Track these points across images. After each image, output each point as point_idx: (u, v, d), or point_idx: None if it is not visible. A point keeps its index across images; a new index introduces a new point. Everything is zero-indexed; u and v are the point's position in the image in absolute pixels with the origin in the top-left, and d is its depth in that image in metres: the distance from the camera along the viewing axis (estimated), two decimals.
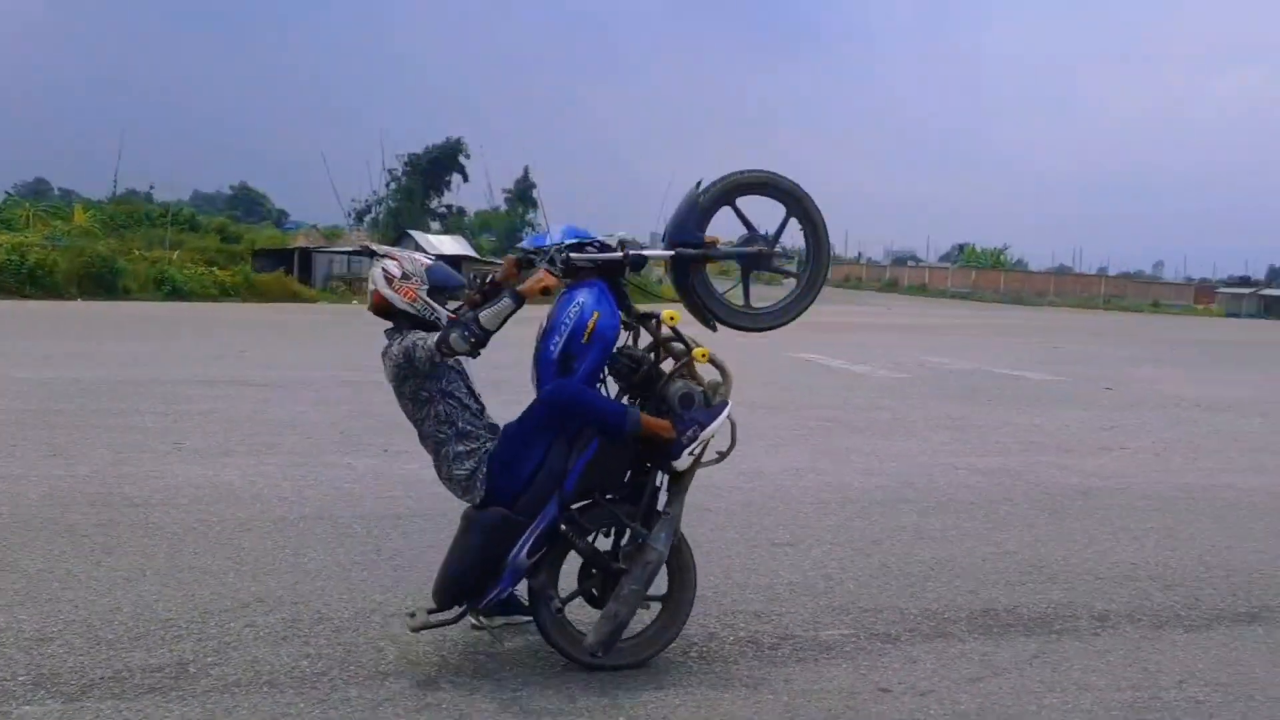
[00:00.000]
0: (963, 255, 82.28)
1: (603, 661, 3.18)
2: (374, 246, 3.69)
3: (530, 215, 51.54)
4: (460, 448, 3.23)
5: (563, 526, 3.17)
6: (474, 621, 3.45)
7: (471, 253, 34.03)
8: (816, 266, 3.60)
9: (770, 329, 3.57)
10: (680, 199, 3.45)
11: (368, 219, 48.61)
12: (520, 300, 3.11)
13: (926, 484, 6.61)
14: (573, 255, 3.26)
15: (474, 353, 3.10)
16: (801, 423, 9.14)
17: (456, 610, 3.25)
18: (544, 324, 3.32)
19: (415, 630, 3.28)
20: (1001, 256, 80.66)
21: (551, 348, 3.24)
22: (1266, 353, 22.92)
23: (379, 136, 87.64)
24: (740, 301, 3.56)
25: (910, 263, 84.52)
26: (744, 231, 3.56)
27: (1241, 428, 9.83)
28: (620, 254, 3.33)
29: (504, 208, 54.31)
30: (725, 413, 3.26)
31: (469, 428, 3.25)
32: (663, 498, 3.33)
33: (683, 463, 3.22)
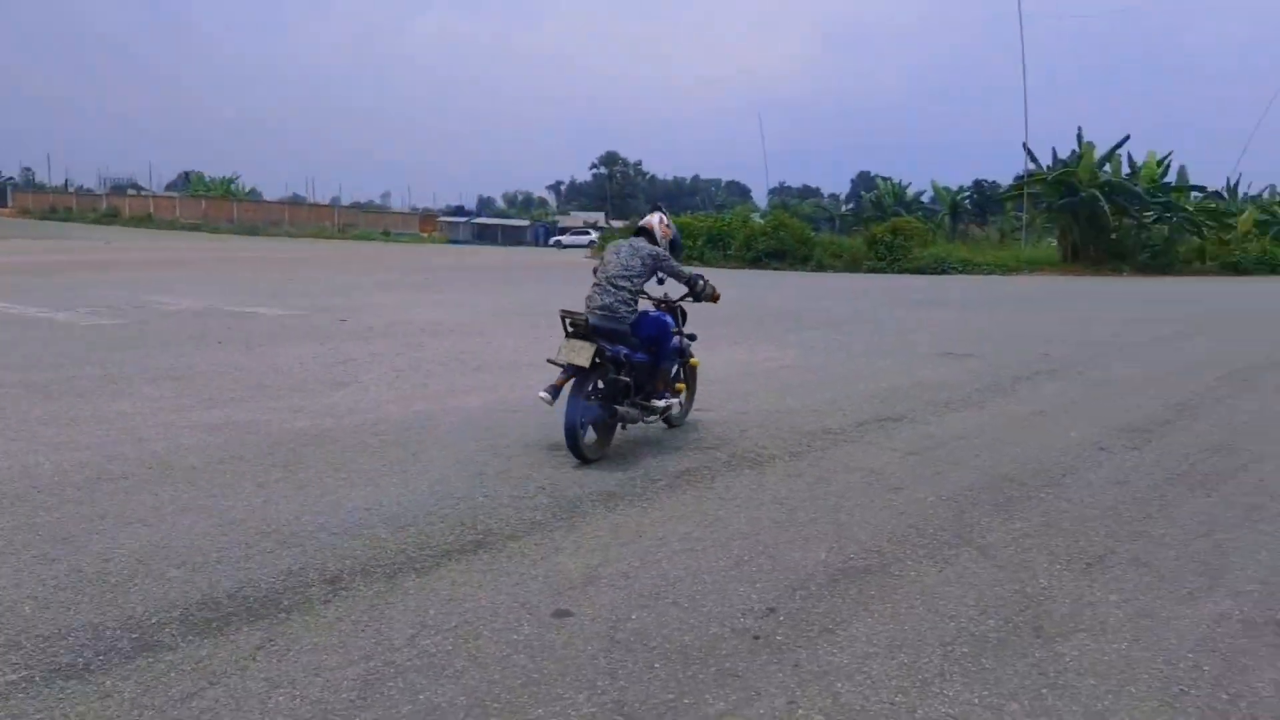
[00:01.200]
0: (190, 184, 77.79)
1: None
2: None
3: None
4: (632, 307, 6.22)
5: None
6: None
7: None
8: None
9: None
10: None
11: None
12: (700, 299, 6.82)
13: (139, 452, 5.74)
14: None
15: (692, 290, 6.72)
16: None
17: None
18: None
19: None
20: (232, 186, 78.41)
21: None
22: (480, 276, 26.18)
23: None
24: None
25: (131, 191, 77.03)
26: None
27: (466, 347, 10.71)
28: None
29: None
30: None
31: (638, 300, 6.33)
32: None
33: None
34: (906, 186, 67.28)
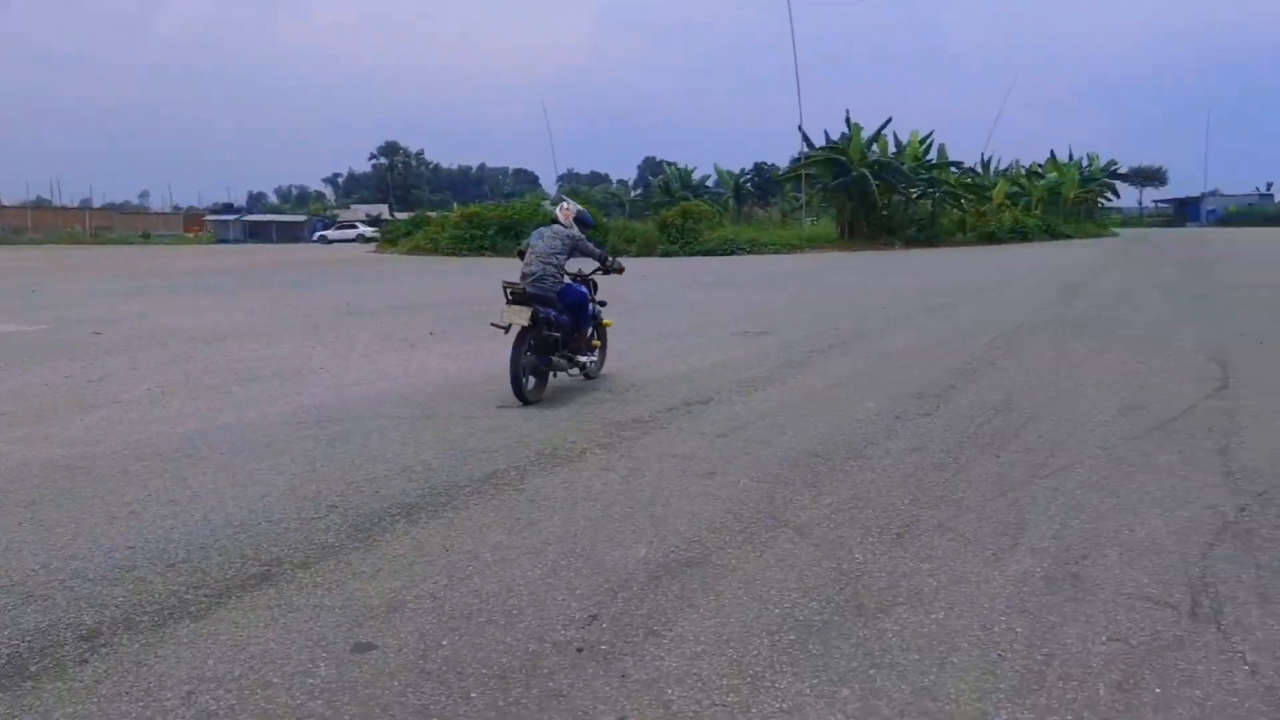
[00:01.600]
0: None
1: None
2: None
3: None
4: (562, 282, 7.78)
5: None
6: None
7: None
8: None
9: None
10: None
11: None
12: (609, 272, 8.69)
13: None
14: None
15: (603, 265, 8.47)
16: None
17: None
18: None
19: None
20: None
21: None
22: (258, 276, 24.38)
23: None
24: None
25: None
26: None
27: (240, 356, 9.88)
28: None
29: None
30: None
31: (564, 274, 7.89)
32: None
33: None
34: (692, 171, 69.21)
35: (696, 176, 68.76)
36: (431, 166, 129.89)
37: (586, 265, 8.51)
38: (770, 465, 5.49)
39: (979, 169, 53.44)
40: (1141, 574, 3.75)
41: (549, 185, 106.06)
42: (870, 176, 39.39)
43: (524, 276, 7.71)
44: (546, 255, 7.79)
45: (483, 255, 36.90)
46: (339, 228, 68.96)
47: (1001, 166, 55.86)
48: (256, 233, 77.83)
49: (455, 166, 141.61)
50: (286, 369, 9.23)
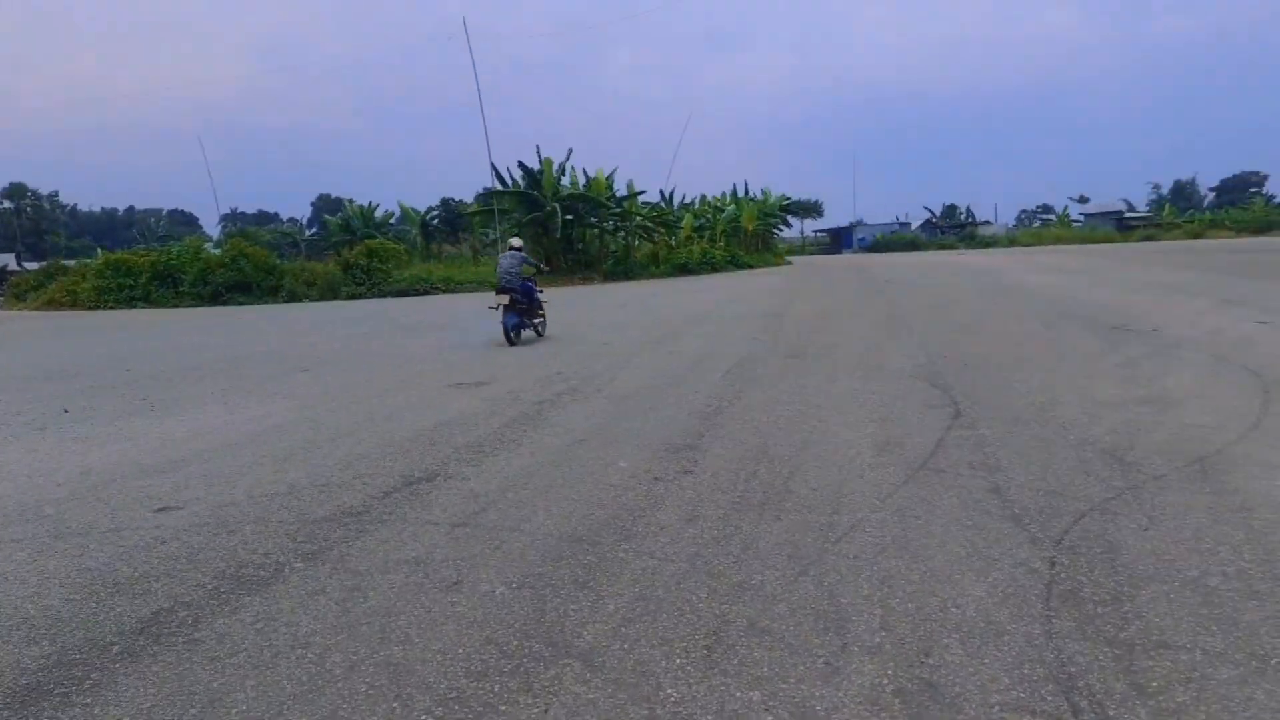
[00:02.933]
0: None
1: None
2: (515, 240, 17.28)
3: None
4: (518, 279, 15.37)
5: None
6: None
7: None
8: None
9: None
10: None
11: None
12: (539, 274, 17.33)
13: None
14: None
15: (537, 270, 16.90)
16: None
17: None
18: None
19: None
20: None
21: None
22: None
23: None
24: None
25: None
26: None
27: None
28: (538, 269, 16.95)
29: None
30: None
31: (520, 277, 15.47)
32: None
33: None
34: (375, 208, 66.61)
35: (379, 214, 66.25)
36: (69, 209, 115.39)
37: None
38: (529, 561, 4.51)
39: (664, 203, 55.79)
40: (999, 671, 3.21)
41: (210, 227, 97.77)
42: (563, 210, 39.57)
43: (500, 280, 15.30)
44: (509, 268, 15.31)
45: (135, 307, 32.63)
46: None
47: (686, 200, 58.79)
48: None
49: (99, 209, 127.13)
50: None
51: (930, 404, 8.07)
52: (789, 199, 71.90)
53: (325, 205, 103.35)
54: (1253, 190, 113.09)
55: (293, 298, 34.01)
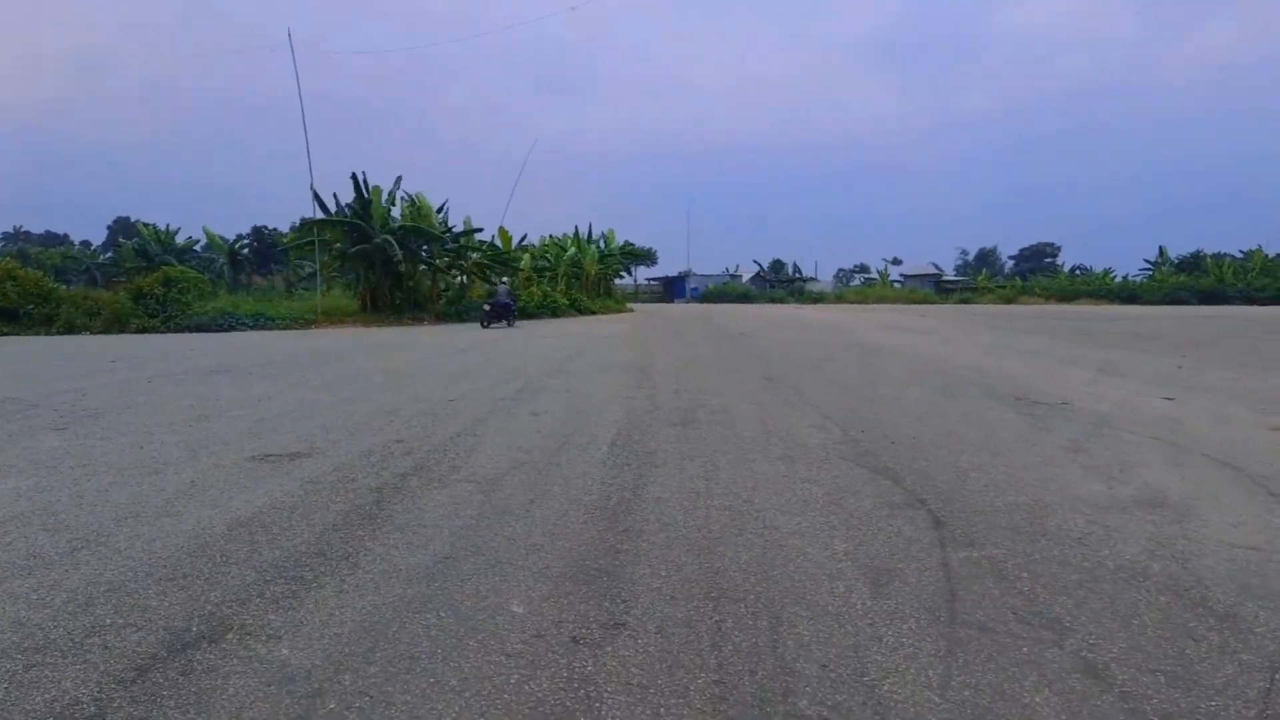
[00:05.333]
0: None
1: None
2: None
3: None
4: (502, 298, 38.16)
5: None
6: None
7: None
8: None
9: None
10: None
11: None
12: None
13: None
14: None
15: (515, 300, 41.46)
16: None
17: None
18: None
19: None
20: None
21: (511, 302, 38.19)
22: None
23: None
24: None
25: None
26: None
27: None
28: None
29: None
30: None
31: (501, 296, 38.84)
32: None
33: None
34: (175, 232, 61.27)
35: (181, 239, 61.00)
36: None
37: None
38: None
39: (498, 242, 53.82)
40: None
41: None
42: (395, 243, 36.85)
43: (492, 299, 37.29)
44: (506, 293, 37.86)
45: None
46: None
47: (525, 241, 56.91)
48: None
49: None
50: None
51: (890, 502, 6.46)
52: (631, 245, 71.38)
53: (122, 229, 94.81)
54: (1048, 260, 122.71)
55: (70, 329, 29.72)
